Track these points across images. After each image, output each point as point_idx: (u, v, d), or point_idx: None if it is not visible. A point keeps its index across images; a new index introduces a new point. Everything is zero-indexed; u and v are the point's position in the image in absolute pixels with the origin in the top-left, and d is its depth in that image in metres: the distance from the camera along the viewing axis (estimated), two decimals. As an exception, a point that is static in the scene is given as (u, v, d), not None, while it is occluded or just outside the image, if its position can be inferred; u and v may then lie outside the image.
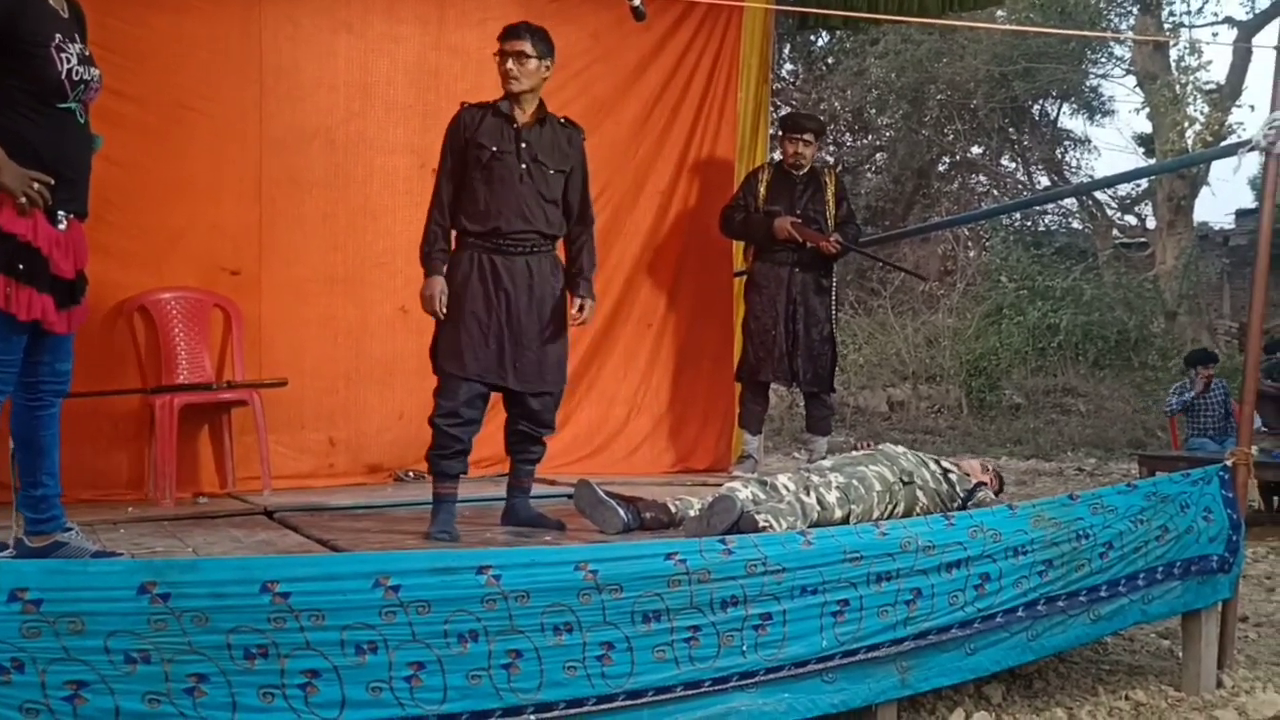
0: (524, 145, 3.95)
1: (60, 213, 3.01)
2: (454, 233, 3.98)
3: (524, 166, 3.93)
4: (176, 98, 4.94)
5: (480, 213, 3.91)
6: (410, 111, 5.55)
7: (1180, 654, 4.15)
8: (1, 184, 2.87)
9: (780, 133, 6.04)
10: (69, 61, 2.98)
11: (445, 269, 3.92)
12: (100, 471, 4.82)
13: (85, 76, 3.03)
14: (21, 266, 2.90)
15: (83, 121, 3.08)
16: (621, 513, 3.86)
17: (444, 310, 3.86)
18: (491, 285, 3.91)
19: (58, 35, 2.98)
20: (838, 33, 16.50)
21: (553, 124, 4.05)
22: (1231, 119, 16.09)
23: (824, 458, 5.72)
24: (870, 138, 20.01)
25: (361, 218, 5.45)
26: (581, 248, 4.11)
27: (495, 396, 4.04)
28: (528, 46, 3.92)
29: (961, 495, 4.15)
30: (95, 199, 4.68)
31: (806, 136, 5.80)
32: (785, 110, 18.65)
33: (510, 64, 3.92)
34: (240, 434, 5.09)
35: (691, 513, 3.89)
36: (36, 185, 2.89)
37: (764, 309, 5.76)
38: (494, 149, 3.92)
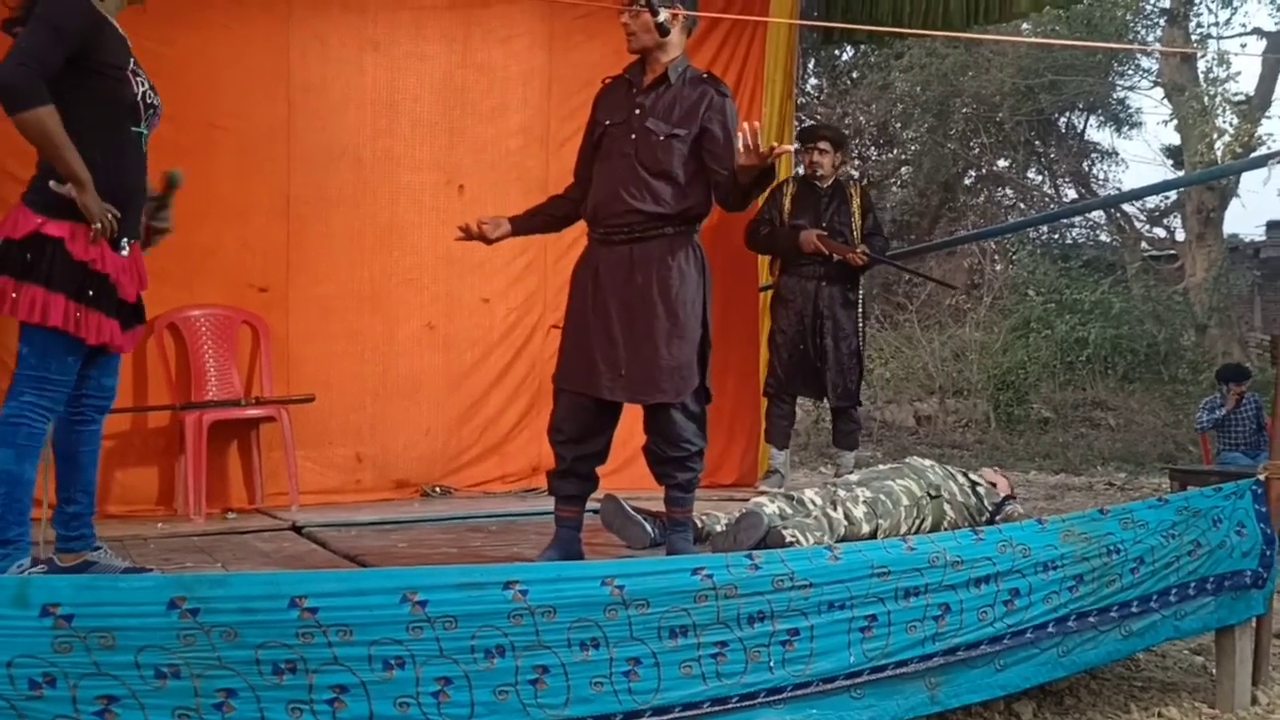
0: (637, 111, 3.50)
1: (123, 239, 3.07)
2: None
3: (633, 137, 3.46)
4: (205, 116, 4.99)
5: (589, 197, 3.55)
6: (436, 129, 5.59)
7: (1214, 670, 4.10)
8: (86, 205, 2.91)
9: (799, 145, 6.05)
10: (142, 85, 3.08)
11: (520, 223, 3.72)
12: (130, 487, 4.87)
13: (154, 101, 3.13)
14: (91, 293, 2.97)
15: (144, 150, 3.15)
16: (648, 528, 3.86)
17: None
18: (590, 283, 3.49)
19: (131, 60, 3.07)
20: (862, 47, 16.44)
21: (680, 83, 3.52)
22: (1261, 130, 15.98)
23: (851, 472, 5.70)
24: (896, 151, 19.95)
25: (389, 235, 5.49)
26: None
27: (634, 411, 3.62)
28: None
29: (990, 509, 4.12)
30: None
31: (822, 145, 5.80)
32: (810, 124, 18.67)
33: (625, 18, 3.51)
34: (268, 450, 5.13)
35: (718, 528, 3.88)
36: (110, 217, 2.95)
37: (791, 323, 5.75)
38: (606, 122, 3.54)
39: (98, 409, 3.22)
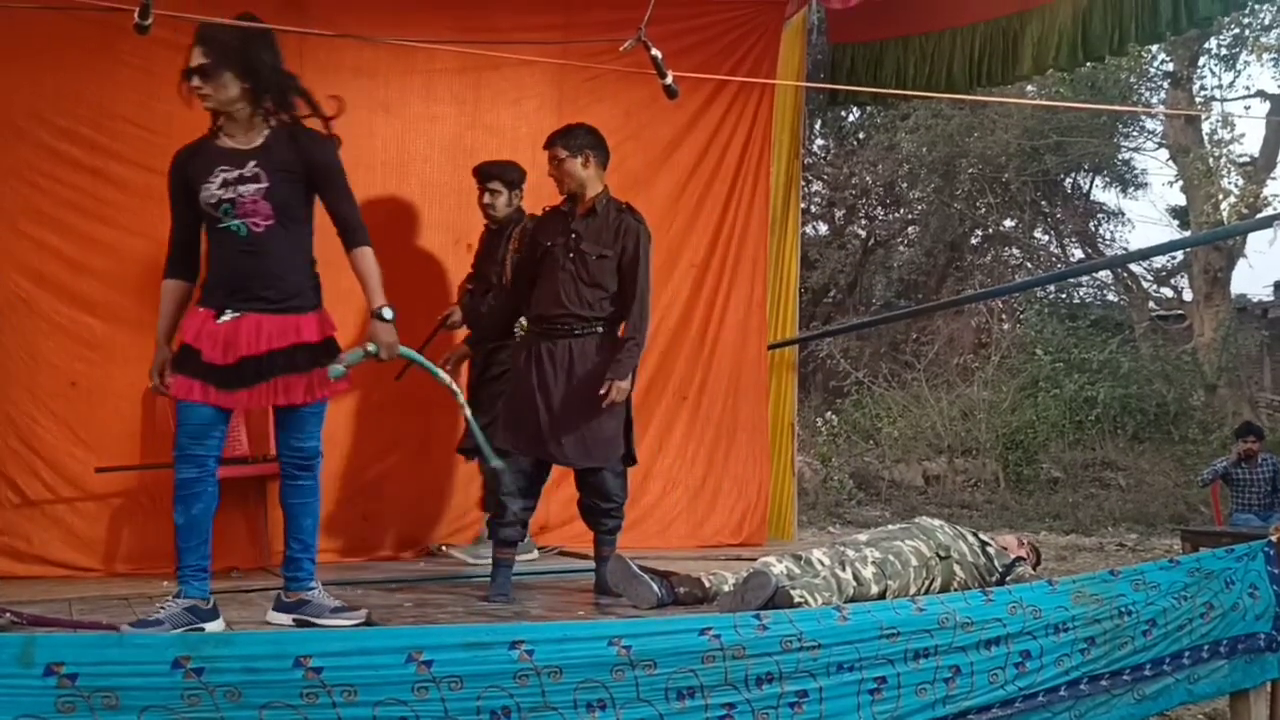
0: (573, 235, 4.23)
1: (228, 310, 3.44)
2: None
3: (570, 255, 4.21)
4: (219, 177, 5.04)
5: (532, 301, 4.27)
6: (446, 190, 5.63)
7: (1229, 735, 4.05)
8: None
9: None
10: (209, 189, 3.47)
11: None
12: (137, 545, 4.86)
13: (229, 196, 3.47)
14: (178, 361, 3.44)
15: (244, 234, 3.49)
16: (655, 587, 3.84)
17: None
18: (535, 367, 4.18)
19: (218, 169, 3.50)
20: (868, 108, 16.62)
21: (606, 211, 4.27)
22: (1266, 191, 16.06)
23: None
24: (902, 211, 20.04)
25: (396, 294, 5.49)
26: (624, 330, 4.28)
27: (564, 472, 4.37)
28: (559, 150, 4.24)
29: (1000, 570, 4.09)
30: (143, 278, 4.83)
31: (493, 185, 5.26)
32: (816, 185, 18.79)
33: (551, 169, 4.30)
34: (275, 508, 5.08)
35: (726, 588, 3.86)
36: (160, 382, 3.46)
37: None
38: (548, 244, 4.25)
39: (296, 466, 3.60)
